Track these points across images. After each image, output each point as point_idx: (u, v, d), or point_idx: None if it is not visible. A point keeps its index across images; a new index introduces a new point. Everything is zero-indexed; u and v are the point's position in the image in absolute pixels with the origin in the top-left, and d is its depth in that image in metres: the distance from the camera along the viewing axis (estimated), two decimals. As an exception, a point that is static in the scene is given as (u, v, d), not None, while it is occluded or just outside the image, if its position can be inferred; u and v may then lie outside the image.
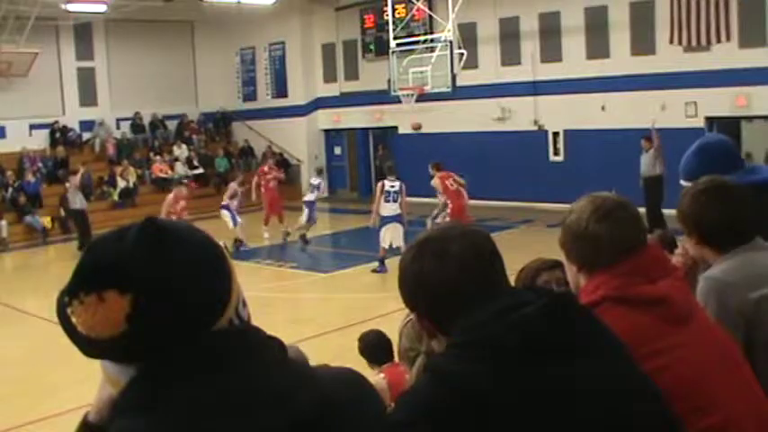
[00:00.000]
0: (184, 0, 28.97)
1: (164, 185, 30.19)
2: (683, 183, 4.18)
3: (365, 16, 30.22)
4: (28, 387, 11.47)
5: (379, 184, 17.82)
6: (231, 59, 34.74)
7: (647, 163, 20.11)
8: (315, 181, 22.43)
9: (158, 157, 31.35)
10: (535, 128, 25.92)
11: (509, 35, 26.37)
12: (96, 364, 1.71)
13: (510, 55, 26.46)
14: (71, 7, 27.21)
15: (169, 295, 1.61)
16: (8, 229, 25.84)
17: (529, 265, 3.65)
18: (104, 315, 1.59)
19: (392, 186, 17.32)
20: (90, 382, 2.11)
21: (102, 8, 28.33)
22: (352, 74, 31.31)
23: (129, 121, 33.00)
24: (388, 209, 17.22)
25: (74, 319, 1.62)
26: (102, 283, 1.60)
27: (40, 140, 30.89)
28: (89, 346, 1.64)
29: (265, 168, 24.19)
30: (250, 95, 34.73)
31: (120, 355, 1.65)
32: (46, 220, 26.89)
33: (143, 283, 1.60)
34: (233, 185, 22.44)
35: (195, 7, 29.61)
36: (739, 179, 3.75)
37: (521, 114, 26.13)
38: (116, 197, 29.05)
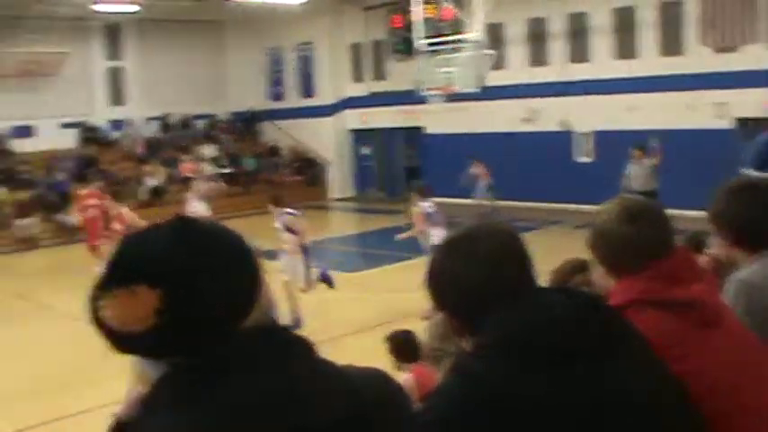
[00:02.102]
0: (214, 0, 29.09)
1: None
2: (747, 171, 4.17)
3: (393, 16, 30.19)
4: (57, 384, 11.60)
5: (419, 208, 14.92)
6: (260, 59, 34.81)
7: (643, 176, 19.17)
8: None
9: (187, 156, 31.50)
10: (563, 128, 25.83)
11: (537, 36, 26.34)
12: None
13: (538, 55, 26.44)
14: (100, 8, 27.46)
15: (198, 292, 1.63)
16: (38, 227, 26.11)
17: (562, 266, 3.64)
18: (134, 309, 1.61)
19: (430, 207, 14.93)
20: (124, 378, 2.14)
21: (132, 8, 28.57)
22: (380, 74, 31.33)
23: (159, 121, 33.23)
24: (438, 235, 14.03)
25: (104, 314, 1.64)
26: (132, 277, 1.63)
27: (69, 139, 31.18)
28: (119, 340, 1.66)
29: (83, 193, 21.90)
30: (278, 95, 34.81)
31: (149, 350, 1.68)
32: (76, 218, 27.08)
33: (173, 278, 1.62)
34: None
35: (225, 7, 29.72)
36: None
37: (548, 115, 26.05)
38: (144, 195, 29.20)
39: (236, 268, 1.71)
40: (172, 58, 32.67)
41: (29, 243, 25.30)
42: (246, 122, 35.33)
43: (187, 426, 1.58)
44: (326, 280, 14.70)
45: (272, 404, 1.60)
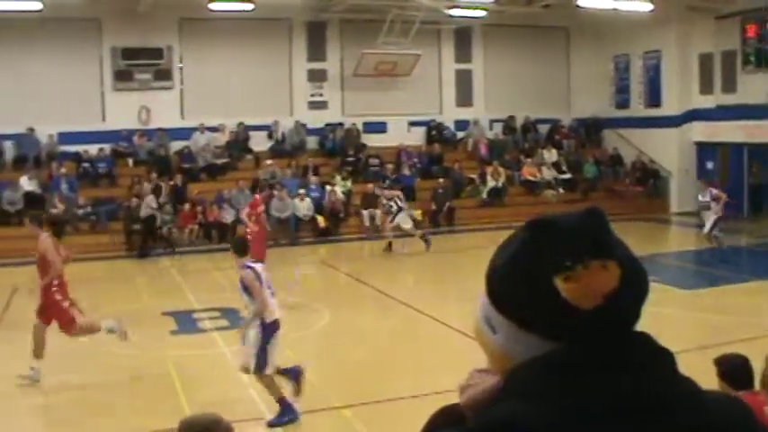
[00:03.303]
0: (561, 6, 29.37)
1: (532, 188, 30.79)
2: None
3: (746, 26, 29.05)
4: (381, 368, 12.38)
5: None
6: (605, 66, 34.59)
7: None
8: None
9: (528, 160, 31.92)
10: None
11: None
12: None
13: None
14: (453, 12, 28.56)
15: (636, 282, 1.68)
16: (382, 218, 27.51)
17: None
18: (598, 284, 1.62)
19: None
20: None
21: (481, 13, 29.53)
22: (729, 86, 30.10)
23: (502, 123, 33.93)
24: None
25: (565, 285, 1.63)
26: (608, 251, 1.65)
27: (417, 137, 32.70)
28: (555, 314, 1.64)
29: (257, 198, 20.75)
30: (622, 103, 34.40)
31: (575, 330, 1.65)
32: (418, 213, 28.28)
33: (627, 261, 1.66)
34: None
35: (571, 13, 29.95)
36: None
37: None
38: (485, 195, 29.99)
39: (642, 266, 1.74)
40: (517, 62, 33.34)
41: (373, 232, 26.73)
42: (589, 129, 35.21)
43: (537, 417, 1.58)
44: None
45: (618, 410, 1.59)
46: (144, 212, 25.03)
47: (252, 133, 30.38)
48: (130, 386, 11.63)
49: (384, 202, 24.19)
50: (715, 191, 21.07)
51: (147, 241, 24.65)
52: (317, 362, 13.25)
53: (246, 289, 10.03)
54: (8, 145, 28.11)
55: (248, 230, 18.46)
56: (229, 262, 22.06)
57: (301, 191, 27.20)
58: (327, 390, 11.20)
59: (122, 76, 29.11)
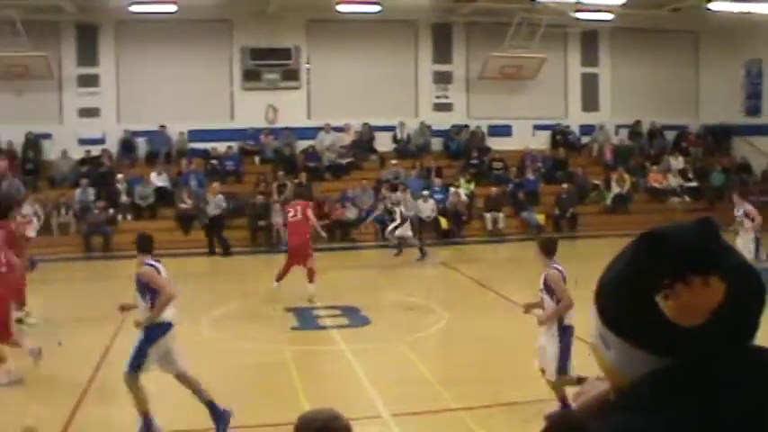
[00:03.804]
0: (690, 9, 28.77)
1: (658, 196, 30.22)
2: None
3: None
4: (500, 372, 12.34)
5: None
6: (735, 71, 33.57)
7: None
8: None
9: (654, 167, 31.35)
10: None
11: None
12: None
13: None
14: (579, 15, 28.30)
15: (745, 296, 1.63)
16: (505, 222, 27.49)
17: None
18: (700, 301, 1.60)
19: None
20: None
21: (608, 16, 29.18)
22: None
23: (628, 128, 33.38)
24: None
25: (666, 303, 1.62)
26: (711, 266, 1.61)
27: (542, 141, 32.48)
28: (660, 331, 1.63)
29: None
30: (753, 110, 33.37)
31: (668, 347, 1.64)
32: (540, 217, 28.11)
33: (733, 275, 1.61)
34: None
35: (701, 17, 29.27)
36: None
37: None
38: (609, 202, 29.59)
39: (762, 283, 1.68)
40: (644, 66, 32.66)
41: (496, 235, 26.67)
42: (717, 136, 34.25)
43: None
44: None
45: (738, 426, 1.55)
46: (212, 211, 25.44)
47: (376, 134, 30.71)
48: (250, 379, 11.89)
49: (389, 206, 23.79)
50: (749, 206, 18.82)
51: (211, 242, 24.93)
52: (435, 362, 13.34)
53: (146, 287, 9.37)
54: (141, 141, 29.04)
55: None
56: (351, 261, 22.45)
57: (425, 192, 27.30)
58: (445, 391, 11.24)
59: (251, 76, 29.77)
